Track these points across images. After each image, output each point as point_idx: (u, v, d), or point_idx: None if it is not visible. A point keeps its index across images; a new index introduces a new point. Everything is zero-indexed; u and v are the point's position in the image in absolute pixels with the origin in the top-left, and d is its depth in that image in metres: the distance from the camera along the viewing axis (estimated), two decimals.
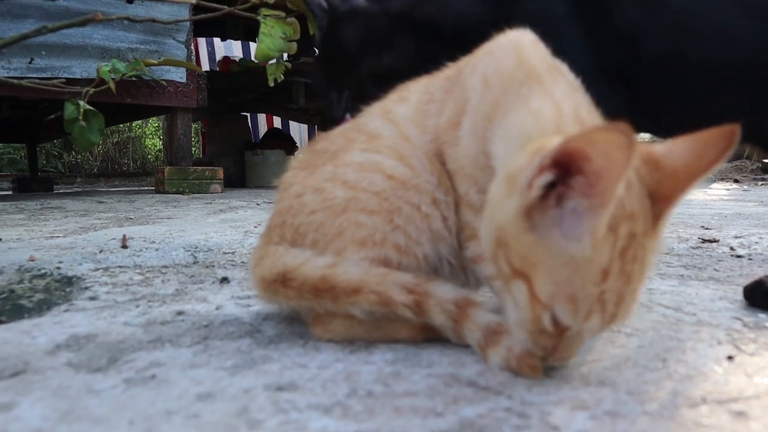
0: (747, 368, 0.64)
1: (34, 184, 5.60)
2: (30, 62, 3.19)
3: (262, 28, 1.40)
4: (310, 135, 7.87)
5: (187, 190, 3.95)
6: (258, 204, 3.11)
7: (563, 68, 0.69)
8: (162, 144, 9.73)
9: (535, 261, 0.53)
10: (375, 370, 0.63)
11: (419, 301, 0.67)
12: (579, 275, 0.52)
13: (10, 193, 5.63)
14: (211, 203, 3.17)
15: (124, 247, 1.56)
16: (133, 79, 1.76)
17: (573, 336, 0.57)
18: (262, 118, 8.27)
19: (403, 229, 0.70)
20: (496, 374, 0.62)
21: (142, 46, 3.71)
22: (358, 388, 0.58)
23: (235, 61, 6.21)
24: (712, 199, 3.50)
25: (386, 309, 0.68)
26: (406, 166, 0.72)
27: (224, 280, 1.14)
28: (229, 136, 6.15)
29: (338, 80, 1.16)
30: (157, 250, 1.52)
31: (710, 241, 1.64)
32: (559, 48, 0.70)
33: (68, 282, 1.16)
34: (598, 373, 0.62)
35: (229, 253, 1.48)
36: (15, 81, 1.71)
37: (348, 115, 1.17)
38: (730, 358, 0.67)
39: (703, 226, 2.03)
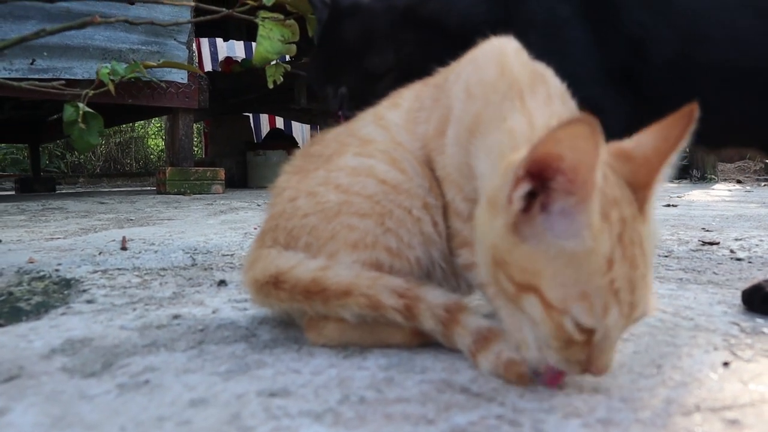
0: (742, 375, 0.64)
1: (36, 185, 5.62)
2: (32, 63, 3.20)
3: (260, 31, 1.40)
4: (313, 135, 7.88)
5: (188, 191, 3.96)
6: (259, 205, 3.11)
7: (547, 74, 0.69)
8: (164, 144, 9.74)
9: (537, 269, 0.53)
10: (368, 376, 0.63)
11: (409, 305, 0.67)
12: (584, 270, 0.51)
13: (13, 193, 5.65)
14: (211, 204, 3.17)
15: (124, 249, 1.56)
16: (132, 80, 1.76)
17: (602, 341, 0.54)
18: (264, 118, 8.27)
19: (394, 232, 0.70)
20: (488, 380, 0.62)
21: (143, 47, 3.72)
22: (350, 395, 0.58)
23: (237, 61, 6.23)
24: (714, 201, 3.50)
25: (376, 312, 0.68)
26: (399, 171, 0.73)
27: (222, 283, 1.14)
28: (231, 137, 6.15)
29: (335, 75, 1.15)
30: (156, 252, 1.52)
31: (710, 244, 1.64)
32: (564, 49, 0.69)
33: (66, 284, 1.16)
34: (592, 379, 0.62)
35: (228, 255, 1.48)
36: (15, 83, 1.72)
37: (341, 112, 1.17)
38: (725, 364, 0.67)
39: (703, 228, 2.02)
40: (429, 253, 0.72)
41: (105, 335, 0.80)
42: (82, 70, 3.46)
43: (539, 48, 0.74)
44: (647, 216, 0.55)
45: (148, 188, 5.87)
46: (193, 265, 1.34)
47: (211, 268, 1.30)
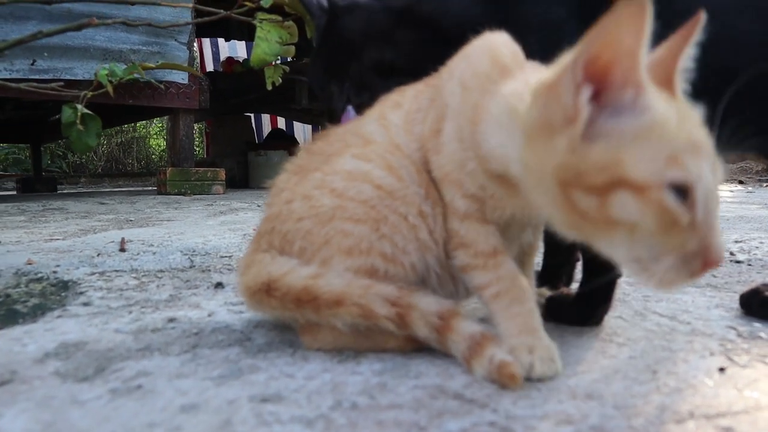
0: (738, 381, 0.63)
1: (37, 185, 5.63)
2: (32, 64, 3.20)
3: (258, 33, 1.40)
4: (314, 135, 7.87)
5: (188, 192, 3.96)
6: (259, 206, 3.11)
7: (537, 66, 0.69)
8: (166, 144, 9.75)
9: (618, 159, 0.51)
10: (361, 381, 0.63)
11: (402, 314, 0.66)
12: (662, 136, 0.51)
13: (14, 193, 5.66)
14: (212, 205, 3.17)
15: (122, 250, 1.56)
16: (131, 81, 1.76)
17: (706, 215, 0.51)
18: (266, 118, 8.27)
19: (389, 237, 0.70)
20: (482, 386, 0.61)
21: (144, 48, 3.72)
22: (343, 400, 0.58)
23: (239, 61, 6.22)
24: None
25: (368, 321, 0.67)
26: (395, 177, 0.72)
27: (219, 285, 1.14)
28: (232, 137, 6.15)
29: (338, 72, 1.14)
30: (154, 253, 1.52)
31: None
32: (560, 51, 0.69)
33: (64, 286, 1.16)
34: (586, 385, 0.62)
35: (226, 256, 1.48)
36: (13, 84, 1.72)
37: (350, 108, 1.15)
38: (721, 369, 0.67)
39: None
40: (424, 259, 0.72)
41: (99, 339, 0.80)
42: (83, 70, 3.46)
43: (536, 49, 0.73)
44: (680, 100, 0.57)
45: (150, 188, 5.88)
46: (191, 267, 1.34)
47: (209, 270, 1.30)
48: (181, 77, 3.84)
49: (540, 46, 0.77)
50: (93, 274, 1.26)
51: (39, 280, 1.21)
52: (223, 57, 7.76)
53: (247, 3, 1.55)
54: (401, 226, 0.70)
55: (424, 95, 0.78)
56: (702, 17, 0.58)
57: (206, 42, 8.34)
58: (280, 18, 1.47)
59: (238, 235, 1.89)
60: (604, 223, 0.53)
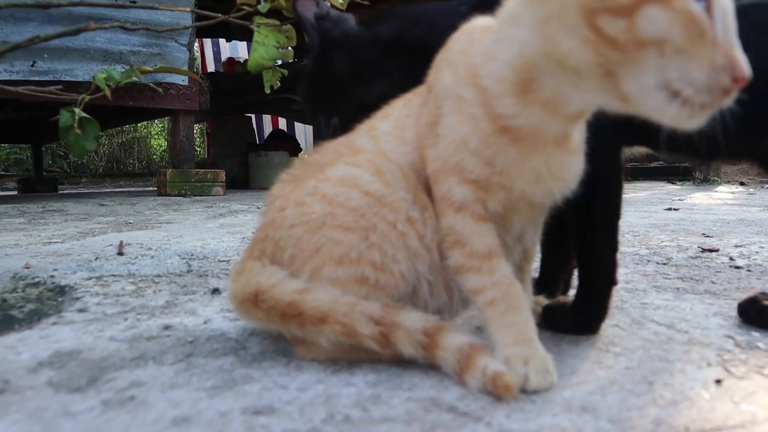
0: (734, 394, 0.63)
1: (38, 185, 5.64)
2: (32, 65, 3.20)
3: (256, 37, 1.40)
4: (315, 137, 7.88)
5: (189, 193, 3.96)
6: (258, 208, 3.11)
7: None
8: (167, 145, 9.75)
9: None
10: (355, 393, 0.63)
11: (386, 333, 0.66)
12: None
13: (15, 193, 5.66)
14: (211, 207, 3.17)
15: (120, 254, 1.56)
16: (129, 84, 1.76)
17: (725, 27, 0.52)
18: (267, 119, 8.28)
19: (378, 246, 0.70)
20: (477, 398, 0.61)
21: (144, 49, 3.72)
22: (335, 413, 0.58)
23: (240, 62, 6.22)
24: (716, 204, 3.48)
25: (351, 340, 0.67)
26: (383, 183, 0.72)
27: (215, 291, 1.13)
28: (233, 138, 6.15)
29: (326, 106, 1.15)
30: (152, 257, 1.51)
31: (710, 251, 1.63)
32: None
33: (61, 291, 1.16)
34: (581, 397, 0.61)
35: (224, 261, 1.48)
36: (11, 88, 1.72)
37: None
38: (718, 381, 0.66)
39: (704, 234, 2.01)
40: (414, 267, 0.72)
41: (94, 347, 0.79)
42: (83, 72, 3.46)
43: None
44: None
45: (150, 188, 5.88)
46: (188, 272, 1.34)
47: (206, 275, 1.30)
48: (181, 79, 3.84)
49: None
50: (90, 278, 1.26)
51: (36, 284, 1.21)
52: (224, 57, 7.77)
53: (245, 7, 1.55)
54: (390, 235, 0.70)
55: (413, 102, 0.78)
56: None
57: (207, 42, 8.36)
58: (278, 22, 1.47)
59: (236, 239, 1.89)
60: (633, 45, 0.52)
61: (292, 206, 0.75)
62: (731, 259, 1.50)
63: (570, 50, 0.54)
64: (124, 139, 10.55)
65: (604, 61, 0.53)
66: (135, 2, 3.18)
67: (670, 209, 3.00)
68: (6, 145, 8.72)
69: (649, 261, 1.47)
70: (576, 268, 0.91)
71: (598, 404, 0.60)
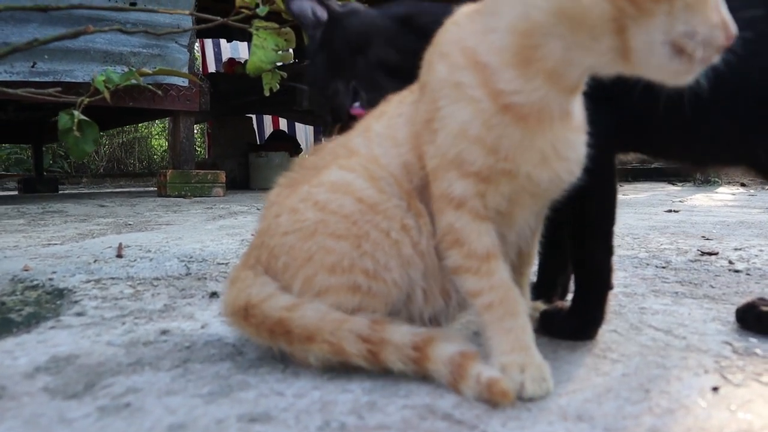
0: (731, 402, 0.63)
1: (39, 185, 5.64)
2: (33, 66, 3.20)
3: (255, 40, 1.40)
4: (316, 137, 7.88)
5: (189, 194, 3.96)
6: (258, 209, 3.11)
7: None
8: (167, 145, 9.76)
9: None
10: (351, 400, 0.63)
11: (374, 351, 0.66)
12: None
13: (16, 193, 5.67)
14: (211, 208, 3.17)
15: (119, 256, 1.56)
16: (128, 86, 1.76)
17: None
18: (268, 119, 8.28)
19: (371, 254, 0.70)
20: (473, 405, 0.61)
21: (144, 50, 3.72)
22: (331, 420, 0.58)
23: (241, 62, 6.22)
24: (716, 205, 3.47)
25: (339, 358, 0.67)
26: (376, 189, 0.71)
27: (214, 295, 1.13)
28: (234, 138, 6.15)
29: (342, 70, 1.12)
30: (151, 260, 1.51)
31: (709, 254, 1.63)
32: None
33: (59, 294, 1.16)
34: (577, 405, 0.61)
35: (223, 263, 1.48)
36: (11, 90, 1.72)
37: (357, 104, 1.13)
38: (715, 389, 0.66)
39: (703, 236, 2.00)
40: (408, 275, 0.71)
41: (91, 352, 0.79)
42: (83, 73, 3.46)
43: None
44: None
45: (151, 189, 5.88)
46: (187, 275, 1.34)
47: (205, 278, 1.30)
48: (181, 80, 3.83)
49: None
50: (89, 281, 1.26)
51: (35, 287, 1.21)
52: (225, 58, 7.77)
53: (244, 10, 1.55)
54: (383, 242, 0.70)
55: (407, 99, 0.77)
56: None
57: (208, 43, 8.36)
58: (276, 25, 1.47)
59: (236, 241, 1.89)
60: (648, 12, 0.54)
61: (286, 213, 0.75)
62: (730, 262, 1.50)
63: (591, 3, 0.55)
64: (124, 139, 10.55)
65: (620, 16, 0.54)
66: (135, 4, 3.18)
67: (670, 211, 3.00)
68: (7, 145, 8.73)
69: (648, 264, 1.47)
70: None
71: (594, 412, 0.60)
